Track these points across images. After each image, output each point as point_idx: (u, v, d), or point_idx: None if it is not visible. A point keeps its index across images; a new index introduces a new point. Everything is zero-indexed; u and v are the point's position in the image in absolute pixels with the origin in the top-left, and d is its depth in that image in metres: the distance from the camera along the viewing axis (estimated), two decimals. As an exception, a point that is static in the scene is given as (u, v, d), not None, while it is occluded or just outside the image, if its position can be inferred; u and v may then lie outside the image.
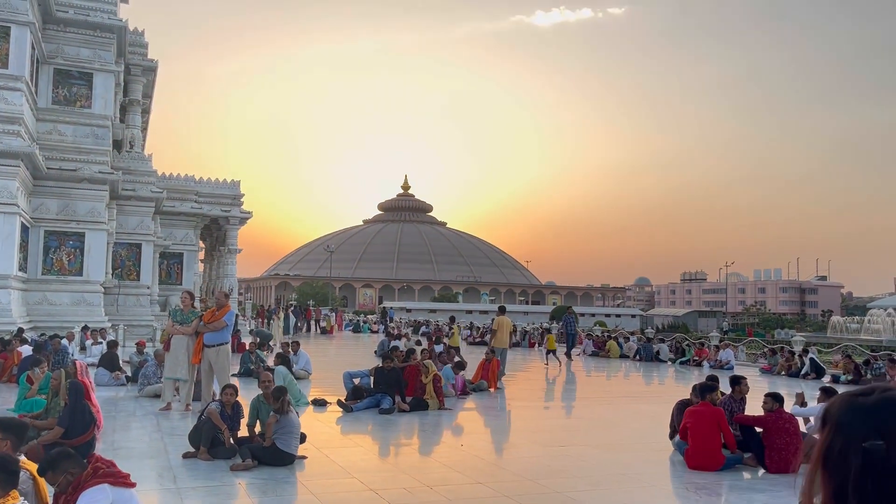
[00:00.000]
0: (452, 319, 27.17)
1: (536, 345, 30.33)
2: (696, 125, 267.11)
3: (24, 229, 20.68)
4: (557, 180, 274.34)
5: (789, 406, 8.10)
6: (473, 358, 20.22)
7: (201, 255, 36.70)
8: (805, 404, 8.54)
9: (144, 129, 31.94)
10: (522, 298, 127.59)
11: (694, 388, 8.79)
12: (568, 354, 23.69)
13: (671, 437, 8.54)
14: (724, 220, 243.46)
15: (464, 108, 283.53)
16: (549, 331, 29.80)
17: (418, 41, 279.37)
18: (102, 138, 23.11)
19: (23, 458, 4.46)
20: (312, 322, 39.71)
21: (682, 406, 8.44)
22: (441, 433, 9.65)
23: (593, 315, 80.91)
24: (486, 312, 72.78)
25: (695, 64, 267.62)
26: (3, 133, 19.21)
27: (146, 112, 31.69)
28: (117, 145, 26.34)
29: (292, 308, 39.38)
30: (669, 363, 23.14)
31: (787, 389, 15.79)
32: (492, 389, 13.86)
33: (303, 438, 7.67)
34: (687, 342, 25.16)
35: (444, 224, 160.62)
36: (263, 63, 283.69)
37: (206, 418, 7.49)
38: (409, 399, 11.07)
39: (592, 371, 20.37)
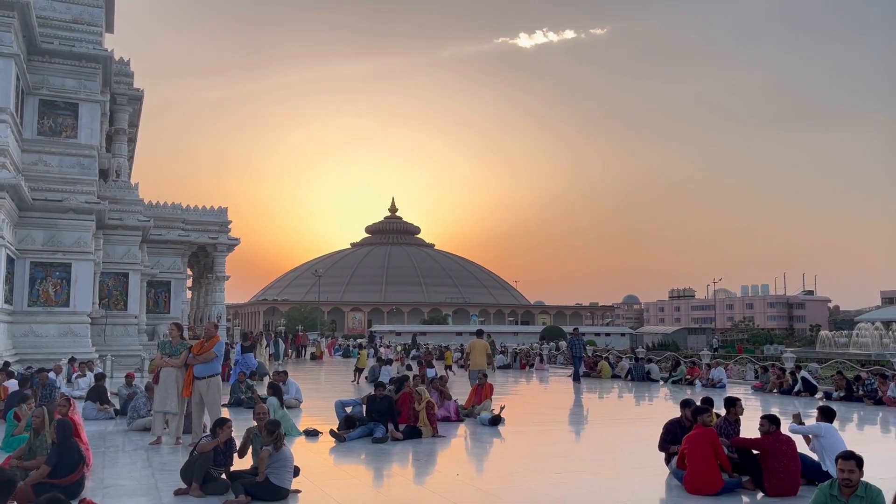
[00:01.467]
0: (361, 346, 27.17)
1: (527, 366, 30.29)
2: (682, 142, 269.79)
3: (10, 261, 20.48)
4: (544, 200, 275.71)
5: (785, 427, 8.08)
6: (465, 382, 20.17)
7: (189, 282, 36.52)
8: (802, 423, 8.52)
9: (130, 158, 31.85)
10: (512, 319, 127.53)
11: (683, 403, 8.78)
12: (576, 378, 22.93)
13: (660, 448, 8.51)
14: (711, 237, 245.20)
15: (449, 130, 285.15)
16: (447, 347, 30.43)
17: (403, 64, 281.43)
18: (88, 168, 23.02)
19: (12, 504, 4.36)
20: (302, 348, 39.46)
21: (671, 425, 8.45)
22: (436, 462, 9.56)
23: (583, 334, 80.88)
24: (475, 334, 72.63)
25: (678, 81, 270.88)
26: (-12, 165, 19.10)
27: (132, 141, 31.63)
28: (103, 175, 26.25)
29: (280, 334, 39.10)
30: (661, 382, 23.12)
31: (780, 407, 15.81)
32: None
33: (296, 472, 7.56)
34: (681, 363, 25.10)
35: (431, 246, 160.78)
36: (248, 89, 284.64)
37: (197, 454, 7.37)
38: (402, 427, 10.97)
39: (584, 392, 20.30)
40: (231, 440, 7.74)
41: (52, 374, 15.14)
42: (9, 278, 20.48)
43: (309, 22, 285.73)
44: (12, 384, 13.20)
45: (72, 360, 18.77)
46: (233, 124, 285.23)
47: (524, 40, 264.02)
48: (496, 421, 12.44)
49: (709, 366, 23.85)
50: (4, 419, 11.00)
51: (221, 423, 7.75)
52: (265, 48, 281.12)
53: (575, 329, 25.37)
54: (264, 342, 31.59)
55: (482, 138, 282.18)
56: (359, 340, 57.41)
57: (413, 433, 10.89)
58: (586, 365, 26.52)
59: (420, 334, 63.08)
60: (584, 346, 23.99)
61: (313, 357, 37.79)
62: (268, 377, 21.45)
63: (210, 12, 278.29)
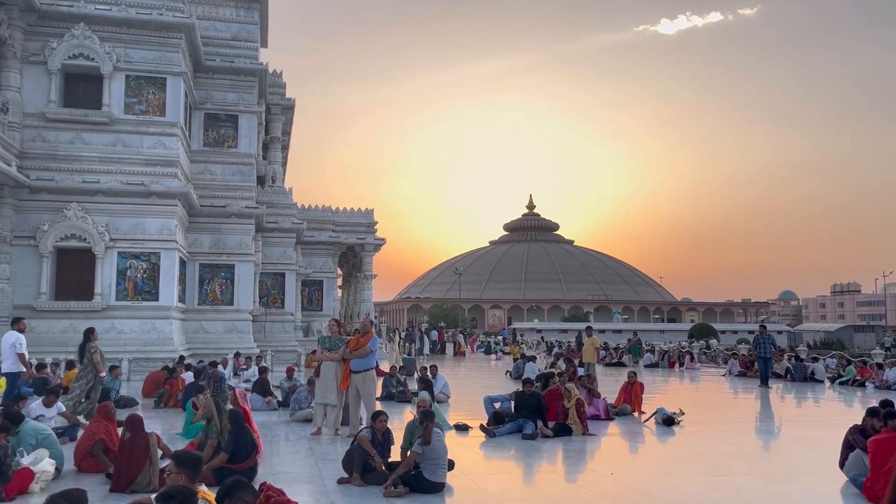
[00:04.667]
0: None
1: (677, 364, 29.21)
2: (841, 127, 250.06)
3: (182, 263, 22.32)
4: (691, 192, 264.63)
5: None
6: (612, 380, 19.76)
7: (339, 281, 38.14)
8: None
9: (284, 164, 33.72)
10: (657, 316, 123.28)
11: (870, 410, 8.11)
12: (764, 381, 20.34)
13: (841, 465, 7.92)
14: (879, 227, 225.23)
15: (588, 123, 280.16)
16: (516, 342, 30.34)
17: (539, 59, 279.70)
18: (248, 175, 24.65)
19: (202, 487, 4.73)
20: (445, 344, 40.28)
21: (854, 431, 7.83)
22: (587, 460, 9.42)
23: (735, 332, 76.90)
24: (619, 332, 70.96)
25: (837, 63, 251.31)
26: (163, 175, 20.93)
27: (285, 148, 33.49)
28: (260, 181, 27.97)
29: (426, 330, 40.00)
30: (827, 383, 21.55)
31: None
32: (636, 413, 13.41)
33: (451, 465, 7.71)
34: (851, 363, 23.18)
35: (571, 242, 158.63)
36: (389, 93, 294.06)
37: (357, 444, 7.69)
38: (551, 424, 10.91)
39: (740, 393, 19.30)
40: (388, 432, 8.02)
41: (220, 367, 16.41)
42: (181, 279, 22.33)
43: (445, 24, 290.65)
44: (188, 376, 14.39)
45: (237, 355, 20.15)
46: (376, 128, 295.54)
47: (666, 26, 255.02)
48: (670, 421, 12.00)
49: (880, 366, 21.94)
50: (184, 408, 11.99)
51: (378, 415, 8.05)
52: (403, 53, 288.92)
53: (762, 326, 22.43)
54: (397, 338, 32.43)
55: (622, 131, 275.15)
56: (498, 337, 57.59)
57: (563, 430, 10.80)
58: (741, 364, 25.21)
59: (562, 331, 62.43)
60: (773, 346, 21.03)
61: (455, 353, 38.47)
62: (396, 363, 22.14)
63: (350, 23, 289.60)
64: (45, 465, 7.36)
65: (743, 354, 27.75)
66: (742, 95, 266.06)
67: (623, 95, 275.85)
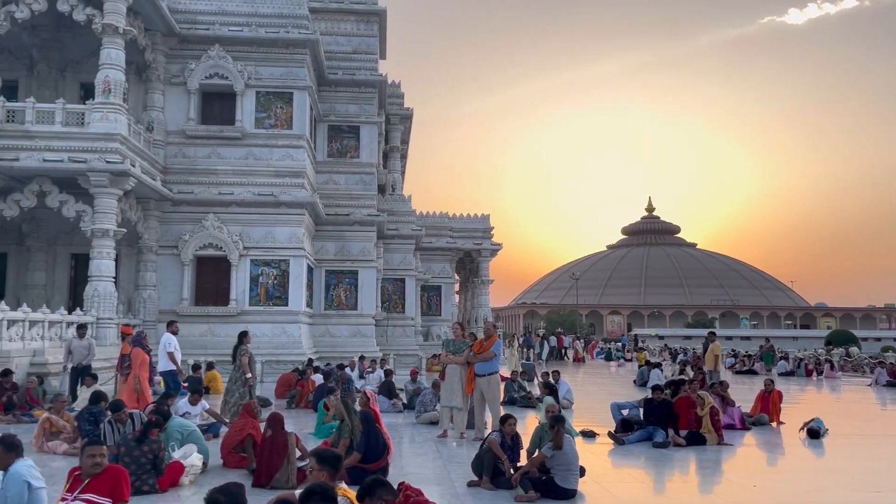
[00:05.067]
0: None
1: (814, 373, 27.47)
2: None
3: (309, 270, 23.22)
4: (823, 190, 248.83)
5: None
6: (744, 389, 18.82)
7: (456, 286, 38.46)
8: None
9: (402, 173, 34.44)
10: (789, 322, 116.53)
11: None
12: None
13: None
14: None
15: (710, 122, 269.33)
16: (641, 349, 31.09)
17: (657, 58, 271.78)
18: (369, 184, 25.36)
19: (342, 485, 4.85)
20: (565, 349, 39.78)
21: None
22: (723, 471, 9.00)
23: (878, 339, 71.47)
24: (748, 339, 67.63)
25: None
26: (291, 186, 21.88)
27: (404, 157, 34.18)
28: (381, 189, 28.66)
29: (545, 336, 39.61)
30: None
31: None
32: (773, 424, 12.69)
33: (582, 472, 7.56)
34: None
35: (693, 245, 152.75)
36: (505, 98, 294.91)
37: (486, 448, 7.68)
38: (683, 433, 10.49)
39: (888, 404, 17.90)
40: (517, 435, 7.96)
41: (347, 370, 16.92)
42: (309, 285, 23.23)
43: (561, 26, 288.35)
44: (318, 378, 14.92)
45: (361, 358, 20.70)
46: (490, 133, 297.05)
47: (794, 16, 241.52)
48: (815, 434, 11.24)
49: None
50: (315, 409, 12.43)
51: (507, 419, 8.01)
52: (517, 57, 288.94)
53: None
54: (516, 343, 32.23)
55: (747, 129, 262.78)
56: (618, 343, 56.24)
57: (696, 439, 10.36)
58: (890, 373, 23.38)
59: (686, 338, 60.14)
60: None
61: (573, 359, 37.89)
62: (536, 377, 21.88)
63: (463, 28, 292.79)
64: (194, 459, 7.81)
65: (891, 363, 25.75)
66: (880, 87, 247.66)
67: (749, 92, 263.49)
